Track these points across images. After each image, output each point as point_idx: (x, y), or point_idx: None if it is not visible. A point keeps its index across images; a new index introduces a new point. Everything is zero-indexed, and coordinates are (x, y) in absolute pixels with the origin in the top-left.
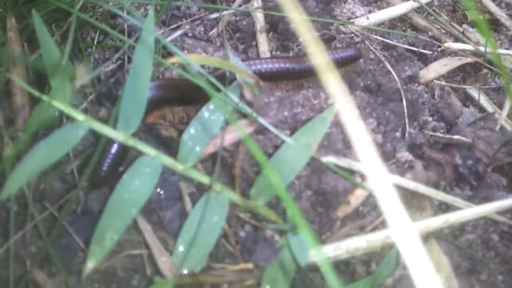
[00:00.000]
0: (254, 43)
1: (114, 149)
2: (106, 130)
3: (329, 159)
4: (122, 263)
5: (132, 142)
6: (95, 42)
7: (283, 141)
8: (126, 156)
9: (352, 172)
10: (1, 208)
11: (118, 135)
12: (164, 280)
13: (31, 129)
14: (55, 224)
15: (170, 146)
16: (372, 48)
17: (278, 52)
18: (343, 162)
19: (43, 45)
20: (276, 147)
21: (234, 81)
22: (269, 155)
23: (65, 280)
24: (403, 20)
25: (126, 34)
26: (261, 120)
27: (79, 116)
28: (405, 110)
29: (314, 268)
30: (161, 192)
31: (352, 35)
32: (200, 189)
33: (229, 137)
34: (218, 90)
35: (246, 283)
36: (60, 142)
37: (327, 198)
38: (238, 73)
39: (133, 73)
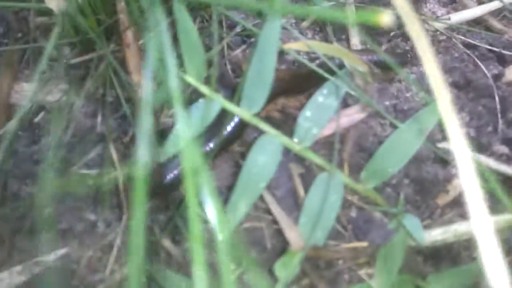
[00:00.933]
0: (344, 36)
1: None
2: (233, 108)
3: (428, 146)
4: (240, 236)
5: (255, 121)
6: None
7: (384, 130)
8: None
9: (449, 161)
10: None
11: (243, 113)
12: (293, 252)
13: (159, 101)
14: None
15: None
16: (457, 45)
17: (368, 46)
18: (441, 151)
19: (180, 22)
20: (375, 135)
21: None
22: (374, 143)
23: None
24: (478, 22)
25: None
26: (376, 105)
27: (212, 94)
28: (498, 106)
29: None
30: None
31: (438, 32)
32: (309, 171)
33: (344, 121)
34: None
35: (359, 261)
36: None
37: (426, 187)
38: (352, 61)
39: (258, 55)
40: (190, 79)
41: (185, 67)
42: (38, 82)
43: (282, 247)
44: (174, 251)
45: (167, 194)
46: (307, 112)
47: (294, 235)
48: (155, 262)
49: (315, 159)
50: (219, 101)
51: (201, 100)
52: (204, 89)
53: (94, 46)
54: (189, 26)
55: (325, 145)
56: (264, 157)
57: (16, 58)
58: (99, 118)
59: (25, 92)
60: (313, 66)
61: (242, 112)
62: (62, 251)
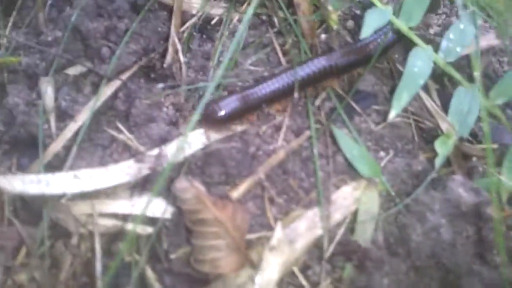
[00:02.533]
0: None
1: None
2: (394, 20)
3: None
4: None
5: (410, 34)
6: None
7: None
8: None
9: None
10: None
11: (402, 25)
12: (447, 134)
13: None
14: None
15: None
16: None
17: None
18: None
19: None
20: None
21: None
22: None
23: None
24: None
25: None
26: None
27: (381, 5)
28: None
29: None
30: None
31: None
32: (442, 87)
33: (483, 44)
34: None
35: (488, 160)
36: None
37: None
38: None
39: None
40: None
41: None
42: None
43: (426, 141)
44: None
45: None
46: (450, 35)
47: (446, 124)
48: None
49: (455, 74)
50: (389, 11)
51: (373, 8)
52: (375, 1)
53: None
54: None
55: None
56: (420, 61)
57: None
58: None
59: (193, 4)
60: None
61: (400, 24)
62: None
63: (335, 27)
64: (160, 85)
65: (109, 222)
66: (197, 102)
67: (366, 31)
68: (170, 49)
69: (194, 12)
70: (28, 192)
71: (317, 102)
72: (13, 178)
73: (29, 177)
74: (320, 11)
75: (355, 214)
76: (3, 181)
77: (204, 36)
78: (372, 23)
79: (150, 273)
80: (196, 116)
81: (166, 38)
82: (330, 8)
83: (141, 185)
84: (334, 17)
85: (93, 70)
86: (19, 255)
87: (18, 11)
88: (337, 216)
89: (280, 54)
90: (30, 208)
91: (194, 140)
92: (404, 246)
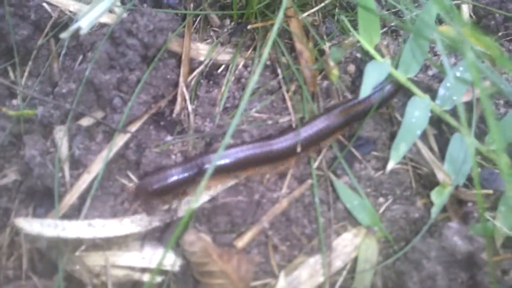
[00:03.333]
0: None
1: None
2: (393, 72)
3: None
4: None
5: (408, 84)
6: None
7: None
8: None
9: None
10: None
11: (400, 76)
12: (443, 184)
13: (337, 59)
14: None
15: None
16: None
17: None
18: None
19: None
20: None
21: None
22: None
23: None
24: None
25: None
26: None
27: (381, 58)
28: None
29: None
30: None
31: None
32: (440, 132)
33: (477, 93)
34: None
35: (480, 206)
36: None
37: None
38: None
39: (416, 30)
40: (364, 44)
41: (360, 32)
42: (209, 44)
43: (423, 187)
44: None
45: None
46: (447, 83)
47: (442, 173)
48: None
49: (451, 121)
50: (388, 65)
51: (372, 62)
52: (375, 54)
53: (249, 18)
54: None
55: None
56: (418, 111)
57: (190, 23)
58: (266, 74)
59: (201, 51)
60: None
61: (399, 75)
62: None
63: (335, 81)
64: (169, 134)
65: (120, 273)
66: (203, 148)
67: (366, 90)
68: (179, 98)
69: (201, 58)
70: (46, 235)
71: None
72: (32, 220)
73: (47, 221)
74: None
75: (355, 260)
76: (23, 223)
77: (210, 82)
78: (371, 80)
79: None
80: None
81: (175, 85)
82: (331, 63)
83: (151, 235)
84: (335, 72)
85: (104, 123)
86: None
87: (34, 60)
88: (338, 263)
89: (288, 101)
90: (46, 261)
91: (202, 193)
92: None
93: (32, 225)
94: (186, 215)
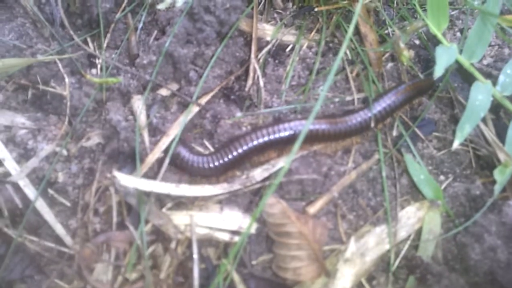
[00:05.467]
0: None
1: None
2: (458, 57)
3: None
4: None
5: (472, 69)
6: None
7: None
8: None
9: None
10: None
11: (464, 61)
12: (505, 164)
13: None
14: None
15: None
16: None
17: None
18: None
19: None
20: None
21: None
22: None
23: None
24: None
25: None
26: None
27: (447, 43)
28: None
29: None
30: None
31: None
32: (498, 117)
33: None
34: None
35: None
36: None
37: None
38: None
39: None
40: (433, 28)
41: (428, 16)
42: (273, 25)
43: (481, 167)
44: None
45: None
46: (507, 70)
47: (504, 154)
48: None
49: (511, 107)
50: (455, 49)
51: (440, 46)
52: (442, 38)
53: (310, 2)
54: None
55: None
56: (481, 95)
57: (257, 4)
58: (330, 55)
59: (267, 31)
60: None
61: (463, 60)
62: None
63: (406, 63)
64: (239, 108)
65: (201, 231)
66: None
67: (439, 70)
68: (251, 74)
69: (267, 38)
70: (141, 189)
71: (385, 128)
72: (129, 176)
73: (141, 179)
74: (391, 46)
75: (418, 232)
76: (122, 176)
77: (276, 61)
78: (442, 62)
79: (236, 277)
80: None
81: (242, 62)
82: (402, 45)
83: (228, 199)
84: (406, 53)
85: (179, 95)
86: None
87: (112, 33)
88: (402, 233)
89: (352, 81)
90: (134, 215)
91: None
92: (462, 263)
93: (129, 180)
94: (275, 181)
